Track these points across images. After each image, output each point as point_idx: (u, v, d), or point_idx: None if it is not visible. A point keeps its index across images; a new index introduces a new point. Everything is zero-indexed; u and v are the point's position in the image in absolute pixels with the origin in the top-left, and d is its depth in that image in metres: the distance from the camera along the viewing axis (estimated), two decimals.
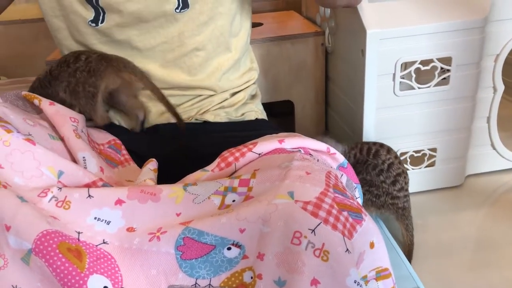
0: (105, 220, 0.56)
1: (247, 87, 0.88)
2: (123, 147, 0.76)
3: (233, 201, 0.55)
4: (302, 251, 0.47)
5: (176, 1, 0.73)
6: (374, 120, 0.94)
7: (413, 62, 0.90)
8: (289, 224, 0.48)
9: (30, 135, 0.62)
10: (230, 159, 0.63)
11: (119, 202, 0.56)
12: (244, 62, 0.87)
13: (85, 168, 0.64)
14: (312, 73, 1.14)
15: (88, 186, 0.60)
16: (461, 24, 0.88)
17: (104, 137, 0.76)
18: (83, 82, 0.73)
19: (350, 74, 0.99)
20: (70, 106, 0.74)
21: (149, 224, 0.55)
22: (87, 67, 0.73)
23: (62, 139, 0.65)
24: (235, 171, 0.63)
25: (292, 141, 0.64)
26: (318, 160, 0.62)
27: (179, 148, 0.77)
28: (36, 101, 0.69)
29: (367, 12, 0.88)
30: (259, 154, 0.63)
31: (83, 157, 0.65)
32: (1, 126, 0.58)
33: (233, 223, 0.50)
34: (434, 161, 1.01)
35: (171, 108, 0.77)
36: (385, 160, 0.84)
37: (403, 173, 0.84)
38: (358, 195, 0.69)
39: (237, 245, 0.50)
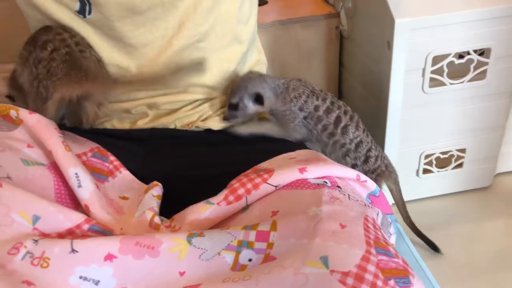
0: (93, 280, 0.46)
1: None
2: (109, 153, 0.65)
3: (250, 260, 0.45)
4: None
5: None
6: (399, 119, 0.83)
7: (446, 55, 0.78)
8: None
9: None
10: (241, 191, 0.53)
11: (109, 257, 0.46)
12: (251, 54, 0.75)
13: (79, 186, 0.54)
14: (324, 59, 1.02)
15: (71, 231, 0.50)
16: (503, 11, 0.76)
17: (83, 145, 0.65)
18: (39, 80, 0.61)
19: (371, 66, 0.87)
20: (27, 93, 0.64)
21: (146, 285, 0.46)
22: (48, 64, 0.61)
23: (49, 153, 0.55)
24: (247, 206, 0.52)
25: (316, 170, 0.54)
26: (349, 196, 0.51)
27: (178, 166, 0.66)
28: (13, 112, 0.58)
29: None
30: (275, 186, 0.52)
31: (76, 174, 0.55)
32: None
33: None
34: (462, 163, 0.91)
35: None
36: (353, 140, 0.71)
37: (372, 144, 0.73)
38: (393, 230, 0.59)
39: None
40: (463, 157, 0.90)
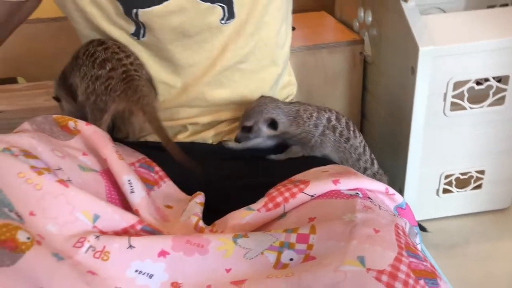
0: (147, 274, 0.50)
1: None
2: (154, 163, 0.70)
3: (291, 259, 0.49)
4: None
5: (222, 12, 0.67)
6: (421, 141, 0.87)
7: (467, 81, 0.83)
8: None
9: (60, 169, 0.57)
10: (279, 199, 0.57)
11: (162, 253, 0.51)
12: (284, 76, 0.81)
13: (132, 192, 0.59)
14: (348, 83, 1.07)
15: (125, 231, 0.55)
16: None
17: (131, 155, 0.70)
18: (97, 94, 0.68)
19: (394, 90, 0.93)
20: (83, 107, 0.70)
21: (196, 280, 0.50)
22: (106, 82, 0.67)
23: (102, 161, 0.61)
24: (284, 213, 0.57)
25: (348, 182, 0.58)
26: (379, 207, 0.56)
27: (215, 177, 0.71)
28: (71, 123, 0.63)
29: (419, 26, 0.81)
30: (311, 196, 0.57)
31: (128, 180, 0.60)
32: (32, 167, 0.52)
33: None
34: (481, 184, 0.95)
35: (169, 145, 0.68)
36: (361, 141, 0.76)
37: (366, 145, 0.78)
38: (418, 241, 0.63)
39: None
40: (482, 179, 0.94)
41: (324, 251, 0.48)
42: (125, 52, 0.69)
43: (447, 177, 0.93)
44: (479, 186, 0.95)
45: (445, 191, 0.95)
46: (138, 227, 0.56)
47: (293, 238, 0.50)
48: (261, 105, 0.71)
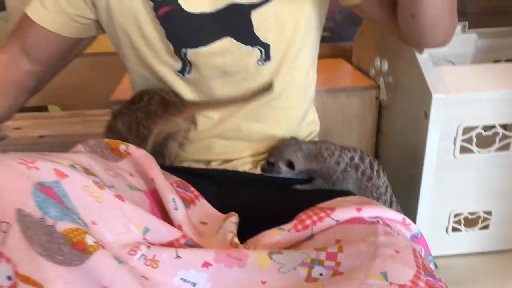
0: (191, 282, 0.56)
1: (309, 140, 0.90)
2: (189, 184, 0.77)
3: (321, 274, 0.55)
4: None
5: (259, 54, 0.76)
6: (432, 181, 0.94)
7: (475, 127, 0.91)
8: None
9: (113, 187, 0.64)
10: (308, 222, 0.64)
11: (206, 264, 0.57)
12: (309, 114, 0.89)
13: (176, 209, 0.66)
14: (364, 125, 1.16)
15: (171, 243, 0.61)
16: None
17: (169, 177, 0.77)
18: (139, 122, 0.76)
19: (408, 133, 1.00)
20: (126, 139, 0.76)
21: None
22: (146, 108, 0.75)
23: (148, 181, 0.69)
24: (312, 235, 0.63)
25: (370, 210, 0.65)
26: (398, 233, 0.62)
27: (246, 201, 0.78)
28: (122, 147, 0.71)
29: (432, 75, 0.90)
30: (337, 220, 0.64)
31: (173, 199, 0.67)
32: (94, 182, 0.59)
33: None
34: (488, 224, 1.01)
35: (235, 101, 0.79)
36: (384, 181, 0.81)
37: (391, 190, 0.83)
38: (432, 267, 0.69)
39: None
40: (489, 219, 1.00)
41: (350, 267, 0.54)
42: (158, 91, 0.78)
43: (456, 215, 1.00)
44: (486, 226, 1.01)
45: (454, 229, 1.01)
46: (182, 241, 0.62)
47: (322, 255, 0.57)
48: (283, 146, 0.79)
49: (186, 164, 0.85)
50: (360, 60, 1.28)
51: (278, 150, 0.79)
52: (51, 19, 0.79)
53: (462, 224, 1.01)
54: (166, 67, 0.78)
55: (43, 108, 1.59)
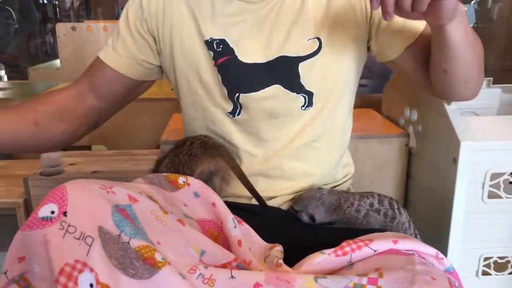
0: None
1: (345, 182, 0.96)
2: (233, 214, 0.83)
3: None
4: None
5: (303, 100, 0.84)
6: (461, 224, 0.99)
7: (503, 173, 0.97)
8: None
9: (171, 213, 0.72)
10: (347, 249, 0.69)
11: (257, 285, 0.63)
12: (345, 156, 0.97)
13: (235, 227, 0.74)
14: (394, 170, 1.22)
15: (224, 266, 0.68)
16: None
17: None
18: (183, 164, 0.84)
19: (436, 178, 1.06)
20: None
21: None
22: (188, 152, 0.84)
23: (212, 205, 0.77)
24: (350, 262, 0.69)
25: (405, 243, 0.70)
26: (433, 264, 0.67)
27: (286, 235, 0.84)
28: (181, 179, 0.79)
29: (460, 124, 0.97)
30: (374, 250, 0.69)
31: (232, 218, 0.75)
32: (160, 207, 0.67)
33: None
34: None
35: (255, 195, 0.86)
36: (406, 216, 0.85)
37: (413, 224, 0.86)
38: None
39: None
40: None
41: None
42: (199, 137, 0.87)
43: (486, 259, 1.03)
44: None
45: (484, 273, 1.04)
46: (234, 264, 0.69)
47: (364, 280, 0.62)
48: (308, 198, 0.86)
49: (230, 199, 0.92)
50: (389, 110, 1.37)
51: (303, 201, 0.86)
52: (120, 62, 0.90)
53: (492, 268, 1.04)
54: (218, 109, 0.88)
55: (87, 148, 1.71)
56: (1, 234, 1.18)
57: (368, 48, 0.88)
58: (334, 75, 0.85)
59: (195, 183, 0.79)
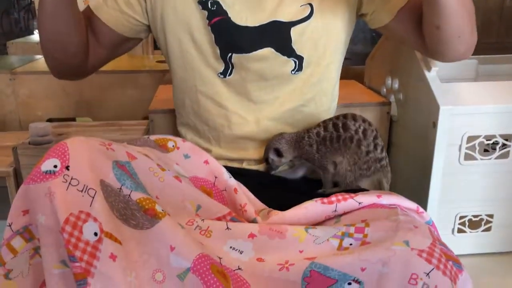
0: (239, 250, 0.66)
1: None
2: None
3: (350, 244, 0.65)
4: None
5: (294, 65, 0.87)
6: (439, 186, 1.05)
7: (478, 136, 1.02)
8: (406, 267, 0.58)
9: (168, 170, 0.74)
10: (333, 199, 0.72)
11: (251, 235, 0.67)
12: None
13: (230, 177, 0.79)
14: None
15: (219, 219, 0.72)
16: None
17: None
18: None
19: (417, 143, 1.12)
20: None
21: (276, 256, 0.66)
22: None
23: (205, 162, 0.81)
24: (336, 212, 0.72)
25: (388, 198, 0.75)
26: (414, 217, 0.72)
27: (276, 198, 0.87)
28: (171, 143, 0.81)
29: (439, 90, 1.02)
30: (359, 203, 0.73)
31: (227, 171, 0.80)
32: (158, 164, 0.70)
33: (355, 262, 0.60)
34: (490, 226, 1.10)
35: None
36: (357, 129, 0.82)
37: (376, 132, 0.84)
38: None
39: (357, 281, 0.60)
40: (491, 222, 1.10)
41: (376, 238, 0.64)
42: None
43: (461, 218, 1.09)
44: (488, 229, 1.11)
45: (460, 230, 1.11)
46: (228, 217, 0.72)
47: (351, 229, 0.66)
48: (270, 140, 0.89)
49: (222, 163, 0.95)
50: (371, 80, 1.41)
51: (267, 147, 0.89)
52: (108, 15, 0.90)
53: (467, 226, 1.10)
54: (209, 69, 0.89)
55: (71, 119, 1.71)
56: None
57: (361, 16, 0.91)
58: (325, 41, 0.88)
59: (185, 146, 0.81)
